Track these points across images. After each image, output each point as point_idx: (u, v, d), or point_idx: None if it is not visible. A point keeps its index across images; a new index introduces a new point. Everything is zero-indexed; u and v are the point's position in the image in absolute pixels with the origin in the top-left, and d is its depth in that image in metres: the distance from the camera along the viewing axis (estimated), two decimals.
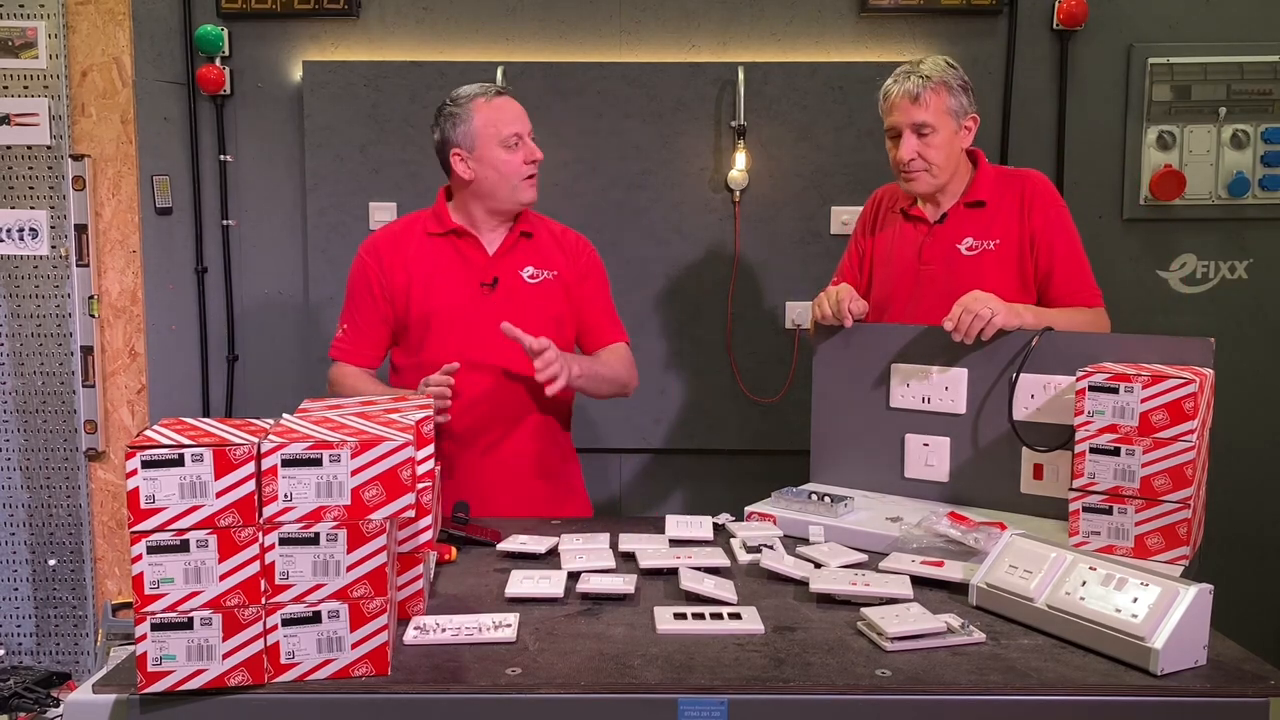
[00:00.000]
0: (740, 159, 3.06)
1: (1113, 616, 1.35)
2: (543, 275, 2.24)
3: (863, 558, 1.75)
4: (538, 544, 1.81)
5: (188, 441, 1.24)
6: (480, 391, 2.17)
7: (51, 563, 3.23)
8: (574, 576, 1.63)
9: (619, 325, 2.36)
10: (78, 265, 3.17)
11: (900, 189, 2.28)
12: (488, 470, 2.20)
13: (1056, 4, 3.09)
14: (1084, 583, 1.41)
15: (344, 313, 2.27)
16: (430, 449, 1.55)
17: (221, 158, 3.17)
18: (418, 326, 2.21)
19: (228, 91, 3.13)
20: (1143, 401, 1.60)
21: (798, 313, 3.10)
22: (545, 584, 1.59)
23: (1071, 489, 1.69)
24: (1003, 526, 1.72)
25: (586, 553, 1.75)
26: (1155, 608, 1.32)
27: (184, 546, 1.24)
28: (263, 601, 1.27)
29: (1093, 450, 1.65)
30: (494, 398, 2.19)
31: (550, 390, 2.00)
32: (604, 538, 1.84)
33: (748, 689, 1.28)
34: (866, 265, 2.36)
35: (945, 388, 1.99)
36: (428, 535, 1.54)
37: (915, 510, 1.90)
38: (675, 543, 1.84)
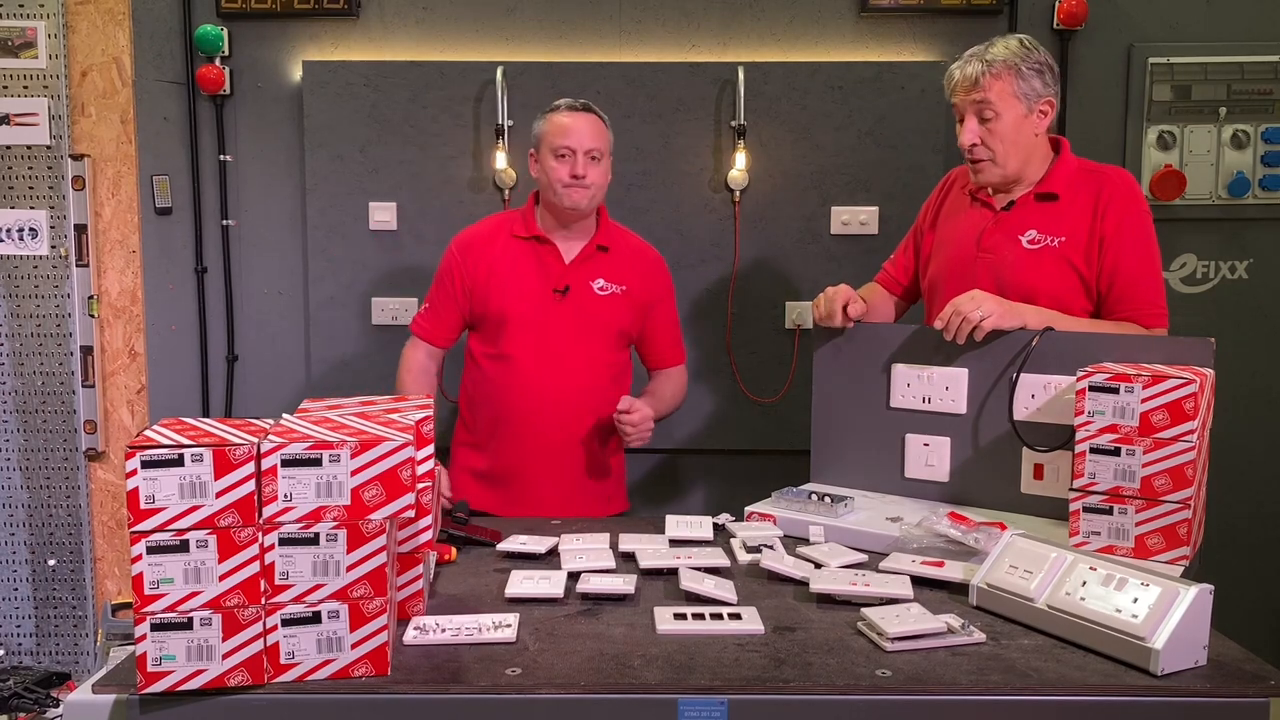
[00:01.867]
0: (740, 159, 3.06)
1: (1113, 616, 1.35)
2: (612, 289, 2.38)
3: (863, 558, 1.75)
4: (538, 544, 1.81)
5: (188, 441, 1.24)
6: (547, 391, 2.32)
7: (51, 563, 3.23)
8: (574, 576, 1.63)
9: (680, 346, 2.55)
10: (77, 265, 3.17)
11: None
12: (546, 468, 2.33)
13: (1056, 4, 3.08)
14: (1084, 583, 1.41)
15: (428, 295, 2.46)
16: (430, 449, 1.55)
17: (221, 158, 3.17)
18: (494, 321, 2.36)
19: (227, 91, 3.13)
20: (1143, 402, 1.60)
21: (798, 313, 3.10)
22: (545, 584, 1.59)
23: (1071, 489, 1.69)
24: (1003, 526, 1.72)
25: (586, 553, 1.75)
26: (1155, 608, 1.32)
27: (184, 546, 1.24)
28: (263, 601, 1.27)
29: (1093, 450, 1.65)
30: (559, 398, 2.33)
31: (628, 442, 2.30)
32: (604, 538, 1.84)
33: (748, 689, 1.28)
34: (926, 247, 2.27)
35: (945, 388, 1.99)
36: (428, 535, 1.54)
37: (915, 510, 1.90)
38: (675, 543, 1.84)
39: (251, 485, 1.25)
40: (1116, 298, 2.02)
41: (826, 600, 1.55)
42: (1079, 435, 1.67)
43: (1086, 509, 1.67)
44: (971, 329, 1.89)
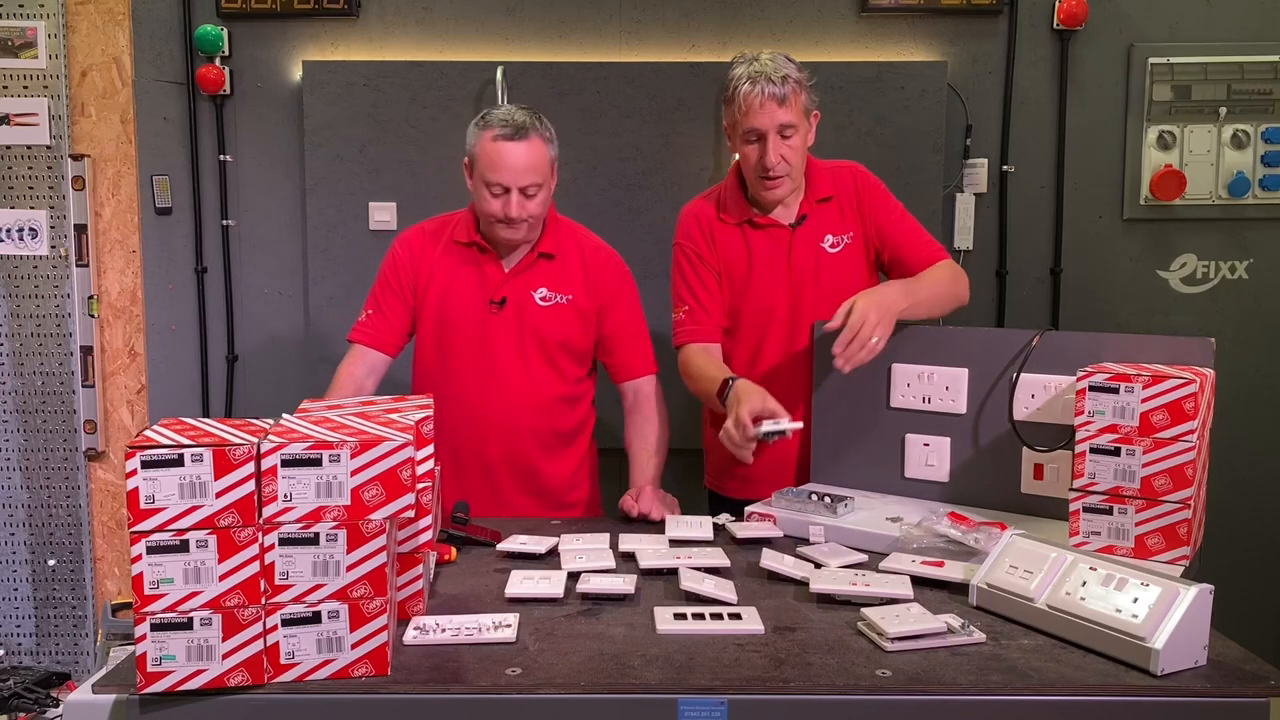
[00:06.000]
0: None
1: (1113, 616, 1.35)
2: (555, 299, 2.21)
3: (863, 558, 1.75)
4: (538, 544, 1.81)
5: (187, 441, 1.24)
6: (483, 409, 2.18)
7: (51, 563, 3.23)
8: (574, 576, 1.62)
9: (646, 353, 2.30)
10: (77, 265, 3.17)
11: (721, 202, 2.24)
12: (486, 488, 2.19)
13: (1056, 4, 3.09)
14: (1084, 583, 1.41)
15: (369, 299, 2.27)
16: (430, 449, 1.55)
17: (221, 158, 3.17)
18: (432, 331, 2.23)
19: (227, 91, 3.13)
20: (1143, 401, 1.60)
21: None
22: (545, 584, 1.59)
23: (1071, 489, 1.69)
24: (1003, 526, 1.72)
25: (586, 553, 1.75)
26: (1155, 608, 1.32)
27: (184, 547, 1.24)
28: (262, 601, 1.27)
29: (1093, 450, 1.65)
30: (498, 417, 2.19)
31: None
32: (604, 538, 1.84)
33: (748, 689, 1.28)
34: (725, 283, 2.25)
35: (945, 388, 1.99)
36: (428, 535, 1.54)
37: (915, 510, 1.90)
38: (675, 543, 1.84)
39: (251, 485, 1.25)
40: (912, 256, 2.18)
41: (826, 600, 1.55)
42: (1079, 435, 1.67)
43: (1086, 509, 1.67)
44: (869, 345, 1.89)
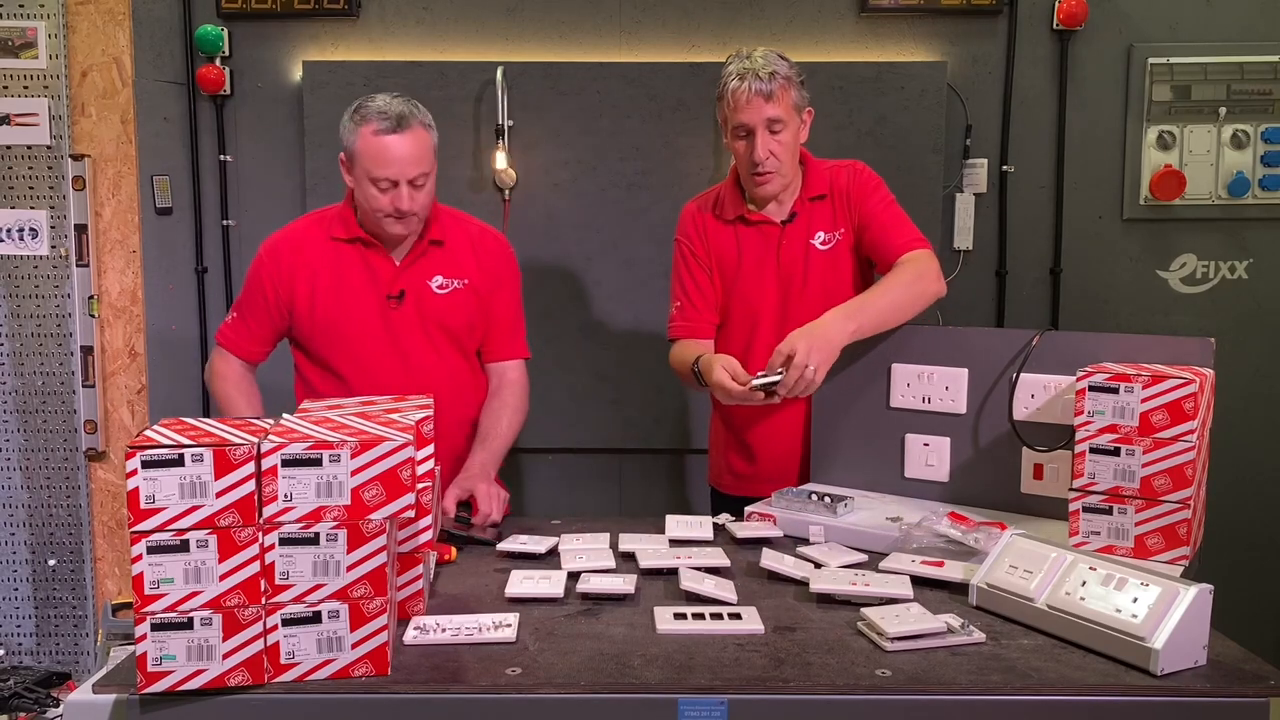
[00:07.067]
0: None
1: (1113, 616, 1.35)
2: (452, 285, 2.18)
3: (863, 558, 1.75)
4: (538, 544, 1.81)
5: (188, 441, 1.24)
6: None
7: (51, 563, 3.23)
8: (574, 576, 1.63)
9: (520, 339, 2.30)
10: (78, 265, 3.17)
11: (719, 199, 2.25)
12: None
13: (1056, 4, 3.09)
14: (1084, 583, 1.41)
15: (236, 302, 2.26)
16: (430, 449, 1.55)
17: (221, 158, 3.17)
18: (323, 337, 2.17)
19: (228, 91, 3.13)
20: (1143, 401, 1.60)
21: None
22: (545, 584, 1.59)
23: (1071, 489, 1.69)
24: (1003, 526, 1.72)
25: (586, 553, 1.75)
26: (1155, 608, 1.32)
27: (184, 546, 1.24)
28: (263, 601, 1.27)
29: (1093, 450, 1.65)
30: None
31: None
32: (604, 538, 1.84)
33: (748, 689, 1.28)
34: (718, 282, 2.25)
35: (945, 388, 1.99)
36: (428, 535, 1.54)
37: (915, 510, 1.90)
38: (675, 543, 1.84)
39: (252, 485, 1.25)
40: (885, 248, 2.14)
41: (826, 600, 1.55)
42: (1079, 435, 1.67)
43: (1086, 509, 1.67)
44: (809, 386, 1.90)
